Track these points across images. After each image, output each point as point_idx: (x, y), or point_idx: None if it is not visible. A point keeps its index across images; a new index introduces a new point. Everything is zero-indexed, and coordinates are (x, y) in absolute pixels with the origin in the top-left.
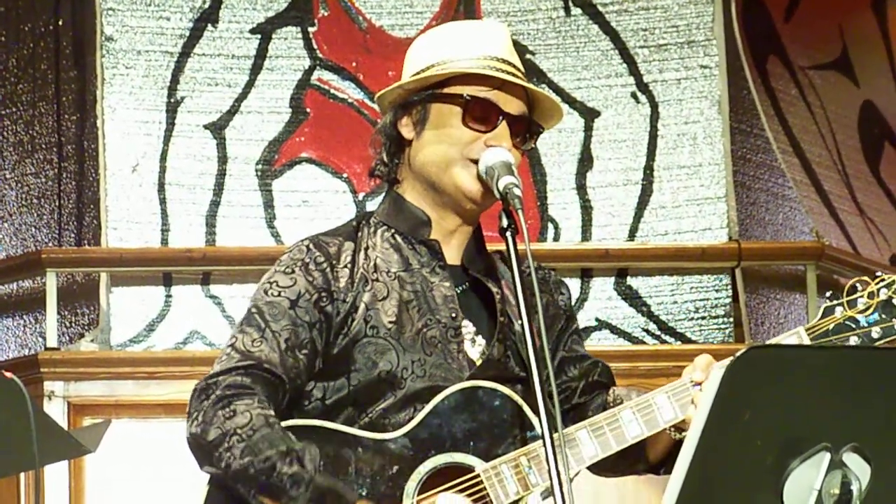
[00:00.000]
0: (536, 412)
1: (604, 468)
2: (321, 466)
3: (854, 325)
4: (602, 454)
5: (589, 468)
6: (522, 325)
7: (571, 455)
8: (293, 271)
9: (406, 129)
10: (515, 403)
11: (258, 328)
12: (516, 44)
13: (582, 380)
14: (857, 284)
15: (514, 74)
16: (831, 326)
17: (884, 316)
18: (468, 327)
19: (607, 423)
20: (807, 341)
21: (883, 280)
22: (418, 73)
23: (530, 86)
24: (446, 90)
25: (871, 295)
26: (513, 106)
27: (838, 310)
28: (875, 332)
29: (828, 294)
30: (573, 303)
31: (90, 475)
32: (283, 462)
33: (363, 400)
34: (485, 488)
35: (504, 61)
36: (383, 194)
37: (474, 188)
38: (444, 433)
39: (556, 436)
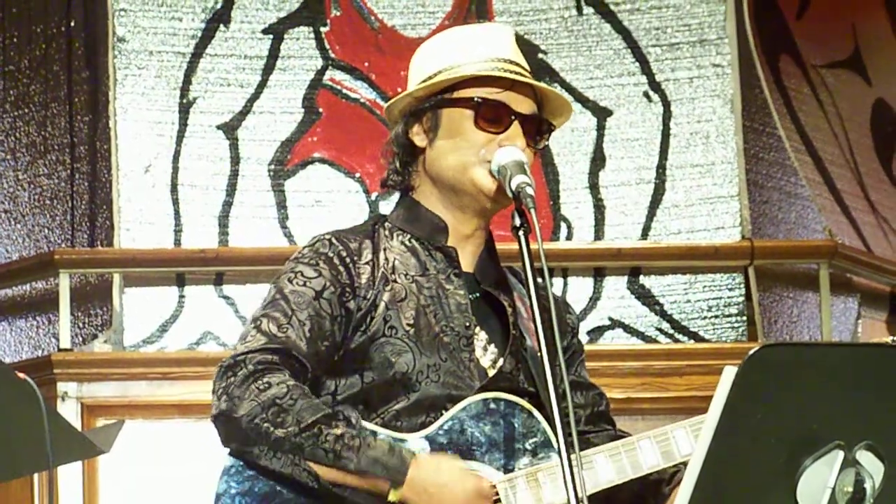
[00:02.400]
0: (553, 428)
1: None
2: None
3: None
4: (618, 480)
5: None
6: (538, 340)
7: (587, 477)
8: (318, 264)
9: (418, 138)
10: (535, 418)
11: (284, 314)
12: (528, 43)
13: (588, 409)
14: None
15: (521, 75)
16: None
17: None
18: (481, 335)
19: (625, 449)
20: None
21: None
22: (426, 80)
23: (539, 84)
24: (456, 95)
25: None
26: (524, 106)
27: None
28: None
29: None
30: (587, 302)
31: (104, 476)
32: (329, 425)
33: (375, 399)
34: (500, 500)
35: (511, 62)
36: (398, 199)
37: (489, 185)
38: (463, 441)
39: (573, 455)
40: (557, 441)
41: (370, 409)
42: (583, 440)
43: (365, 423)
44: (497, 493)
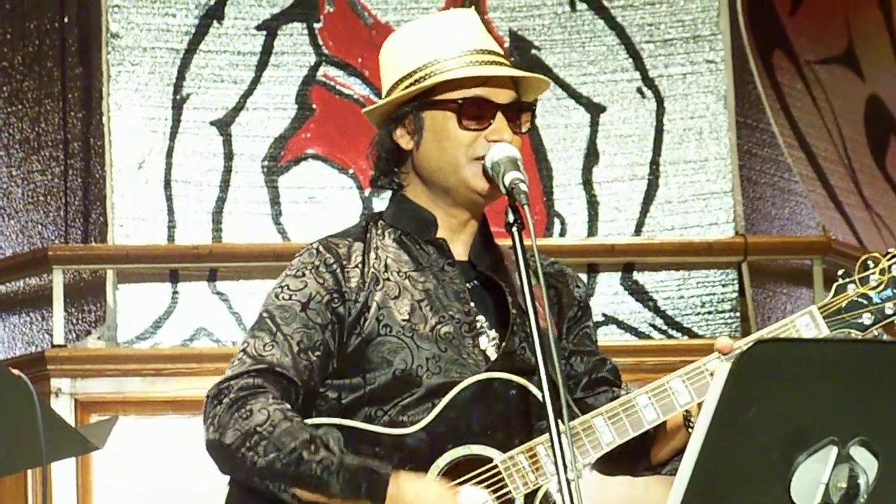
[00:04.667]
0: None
1: (607, 467)
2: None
3: (867, 302)
4: (619, 440)
5: (595, 468)
6: (527, 316)
7: (589, 442)
8: (304, 274)
9: (403, 141)
10: (531, 394)
11: (269, 332)
12: (522, 39)
13: (586, 376)
14: (869, 261)
15: (496, 63)
16: (844, 304)
17: None
18: (481, 321)
19: (623, 409)
20: (820, 320)
21: (895, 256)
22: (401, 82)
23: (514, 72)
24: (436, 97)
25: (882, 271)
26: (503, 96)
27: (850, 287)
28: (888, 308)
29: (840, 272)
30: None
31: (97, 472)
32: (309, 450)
33: (380, 398)
34: (503, 479)
35: (485, 51)
36: (390, 197)
37: (481, 185)
38: (461, 426)
39: (565, 427)
40: (546, 414)
41: (377, 408)
42: (581, 405)
43: (366, 426)
44: (490, 470)
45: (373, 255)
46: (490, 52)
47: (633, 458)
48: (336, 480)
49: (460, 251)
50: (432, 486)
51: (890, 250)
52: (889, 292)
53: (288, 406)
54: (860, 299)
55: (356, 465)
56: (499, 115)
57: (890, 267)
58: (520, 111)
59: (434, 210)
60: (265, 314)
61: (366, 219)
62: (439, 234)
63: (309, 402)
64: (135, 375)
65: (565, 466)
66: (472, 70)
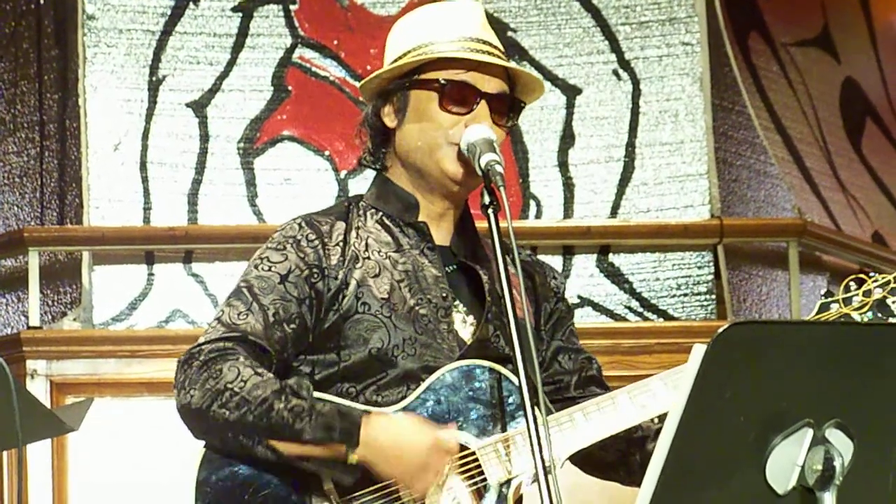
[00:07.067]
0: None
1: (590, 466)
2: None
3: None
4: (597, 437)
5: (581, 466)
6: (504, 304)
7: (568, 436)
8: (284, 248)
9: (388, 119)
10: (511, 383)
11: (245, 302)
12: (498, 21)
13: (576, 374)
14: (852, 283)
15: (490, 53)
16: None
17: (879, 315)
18: (459, 307)
19: (603, 406)
20: None
21: (877, 280)
22: (395, 61)
23: (506, 63)
24: (422, 76)
25: (866, 293)
26: (491, 85)
27: (833, 306)
28: None
29: (822, 291)
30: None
31: (73, 453)
32: (279, 399)
33: (354, 376)
34: (480, 465)
35: (480, 41)
36: (373, 178)
37: (456, 169)
38: (441, 410)
39: (543, 418)
40: (523, 405)
41: (349, 384)
42: (573, 405)
43: (346, 402)
44: (467, 456)
45: (354, 234)
46: (487, 44)
47: (615, 463)
48: (308, 426)
49: (441, 237)
50: (405, 420)
51: (872, 273)
52: (871, 315)
53: (258, 364)
54: (843, 319)
55: (327, 409)
56: (482, 102)
57: (873, 289)
58: (507, 106)
59: (415, 193)
60: (243, 284)
61: (347, 200)
62: (420, 218)
63: (281, 375)
64: (110, 357)
65: (542, 457)
66: (461, 53)
